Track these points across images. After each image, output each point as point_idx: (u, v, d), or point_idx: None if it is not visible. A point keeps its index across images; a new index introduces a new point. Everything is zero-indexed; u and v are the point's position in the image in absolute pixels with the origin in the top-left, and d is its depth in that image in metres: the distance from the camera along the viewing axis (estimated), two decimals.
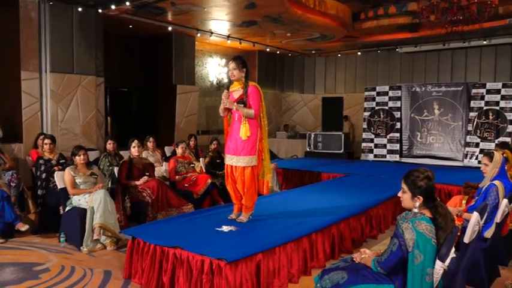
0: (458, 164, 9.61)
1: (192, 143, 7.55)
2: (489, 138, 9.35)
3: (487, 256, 3.53)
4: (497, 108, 9.33)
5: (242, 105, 4.12)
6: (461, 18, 7.05)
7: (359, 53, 13.25)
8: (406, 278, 2.33)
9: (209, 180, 6.21)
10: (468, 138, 9.62)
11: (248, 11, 8.48)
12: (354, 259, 2.65)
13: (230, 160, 4.27)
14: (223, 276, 3.11)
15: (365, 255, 2.61)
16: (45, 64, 7.68)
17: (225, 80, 12.25)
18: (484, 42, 10.76)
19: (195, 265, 3.25)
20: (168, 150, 8.22)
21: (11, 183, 5.61)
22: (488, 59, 11.42)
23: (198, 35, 10.22)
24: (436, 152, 10.08)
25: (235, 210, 4.39)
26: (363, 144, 11.04)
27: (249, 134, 4.12)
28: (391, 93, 10.73)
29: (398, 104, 10.61)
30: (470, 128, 9.60)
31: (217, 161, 6.92)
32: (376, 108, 10.91)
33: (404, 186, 2.51)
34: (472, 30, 8.94)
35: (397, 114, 10.59)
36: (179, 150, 6.53)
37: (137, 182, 5.43)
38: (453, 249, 2.39)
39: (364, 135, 11.03)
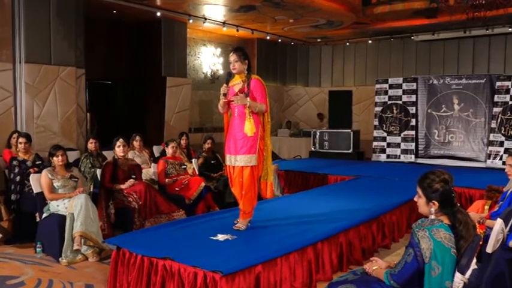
0: (480, 165, 9.62)
1: (183, 141, 7.56)
2: None
3: None
4: None
5: (247, 98, 4.14)
6: (484, 2, 7.07)
7: (370, 42, 13.25)
8: None
9: (203, 184, 6.21)
10: (491, 137, 9.62)
11: None
12: (365, 269, 2.66)
13: (229, 160, 4.31)
14: None
15: (377, 265, 2.62)
16: (19, 54, 7.65)
17: (221, 72, 12.23)
18: (510, 29, 10.76)
19: (187, 278, 3.25)
20: (156, 150, 8.22)
21: None
22: None
23: (190, 21, 10.21)
24: (456, 152, 10.09)
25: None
26: (374, 143, 11.04)
27: (255, 130, 4.16)
28: (405, 86, 10.73)
29: (413, 98, 10.60)
30: (494, 125, 9.60)
31: (212, 162, 6.92)
32: (389, 102, 10.90)
33: (419, 190, 2.53)
34: (496, 15, 8.95)
35: (412, 110, 10.59)
36: (169, 150, 6.53)
37: (122, 186, 5.43)
38: (475, 260, 2.40)
39: (376, 133, 11.04)
